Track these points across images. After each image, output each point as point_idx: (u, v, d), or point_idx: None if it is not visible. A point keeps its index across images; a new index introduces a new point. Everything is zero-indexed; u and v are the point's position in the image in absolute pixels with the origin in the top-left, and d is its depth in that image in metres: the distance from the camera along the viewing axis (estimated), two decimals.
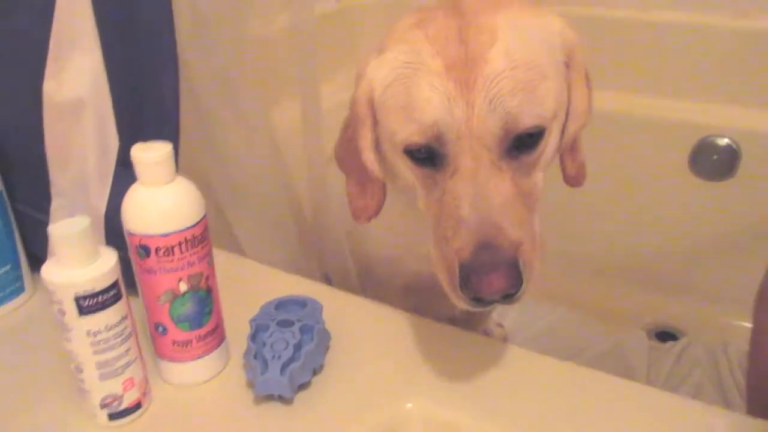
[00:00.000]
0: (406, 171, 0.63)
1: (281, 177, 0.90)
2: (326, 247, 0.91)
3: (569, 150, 0.65)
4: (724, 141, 1.31)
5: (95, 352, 0.55)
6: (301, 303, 0.68)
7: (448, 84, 0.56)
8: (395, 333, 0.70)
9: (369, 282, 0.88)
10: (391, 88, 0.60)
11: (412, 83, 0.58)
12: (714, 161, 1.31)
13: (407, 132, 0.58)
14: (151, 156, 0.55)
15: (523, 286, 0.54)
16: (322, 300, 0.69)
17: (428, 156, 0.59)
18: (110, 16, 0.65)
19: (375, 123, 0.64)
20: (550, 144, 0.59)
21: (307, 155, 0.87)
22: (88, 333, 0.54)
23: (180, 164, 0.73)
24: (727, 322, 1.31)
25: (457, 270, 0.55)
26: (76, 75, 0.66)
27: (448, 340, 0.70)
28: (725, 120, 1.32)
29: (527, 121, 0.55)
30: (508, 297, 0.54)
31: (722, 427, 0.58)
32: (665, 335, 1.35)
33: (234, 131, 0.82)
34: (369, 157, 0.65)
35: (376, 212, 0.70)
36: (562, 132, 0.62)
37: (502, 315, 1.34)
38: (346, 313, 0.72)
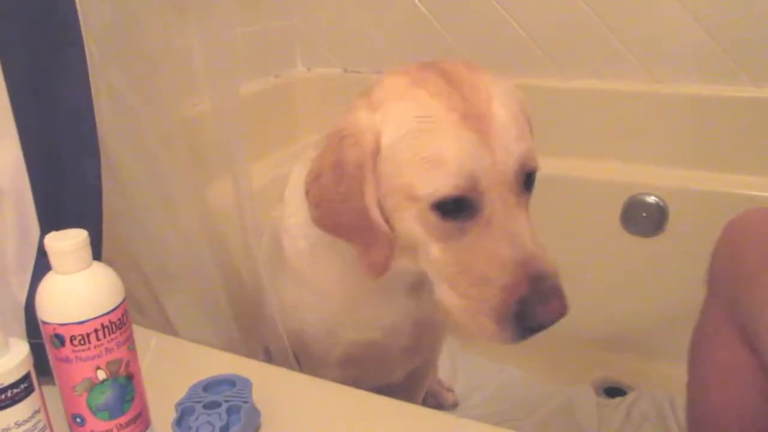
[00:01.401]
0: (419, 227, 0.64)
1: (215, 255, 0.90)
2: (263, 322, 0.90)
3: None
4: (651, 199, 1.37)
5: None
6: (230, 382, 0.67)
7: (471, 135, 0.61)
8: (330, 407, 0.69)
9: (304, 358, 0.87)
10: (405, 141, 0.63)
11: (434, 135, 0.62)
12: (644, 218, 1.37)
13: (437, 185, 0.61)
14: (63, 244, 0.55)
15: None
16: (254, 376, 0.68)
17: (456, 207, 0.62)
18: (28, 104, 0.66)
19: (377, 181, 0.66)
20: None
21: (241, 232, 0.87)
22: None
23: (108, 248, 0.73)
24: (670, 375, 1.31)
25: (510, 307, 0.60)
26: None
27: (387, 412, 0.69)
28: (651, 179, 1.38)
29: (532, 163, 0.63)
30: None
31: None
32: (613, 390, 1.36)
33: (163, 213, 0.83)
34: (376, 214, 0.66)
35: (387, 267, 0.69)
36: None
37: (452, 379, 1.34)
38: (278, 389, 0.71)
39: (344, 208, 0.67)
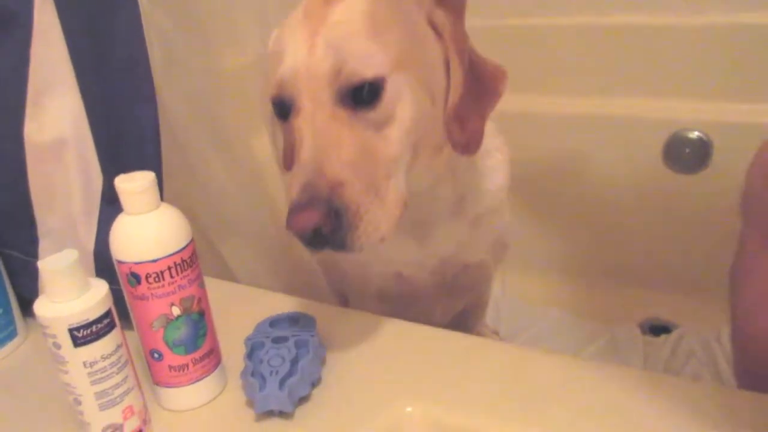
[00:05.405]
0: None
1: (266, 202, 0.91)
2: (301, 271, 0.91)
3: (456, 119, 0.64)
4: (695, 134, 1.34)
5: (93, 383, 0.55)
6: (294, 319, 0.69)
7: (301, 33, 0.59)
8: (389, 341, 0.71)
9: (348, 293, 0.89)
10: (273, 44, 0.65)
11: (282, 33, 0.62)
12: (687, 154, 1.34)
13: (270, 84, 0.62)
14: (134, 185, 0.56)
15: (344, 230, 0.55)
16: (314, 315, 0.70)
17: (286, 110, 0.61)
18: (86, 55, 0.67)
19: None
20: (404, 107, 0.60)
21: (282, 181, 0.88)
22: (85, 364, 0.54)
23: (164, 197, 0.75)
24: (717, 311, 1.30)
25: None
26: (55, 116, 0.68)
27: (443, 342, 0.71)
28: (694, 114, 1.35)
29: (358, 68, 0.58)
30: (322, 236, 0.55)
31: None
32: (658, 328, 1.36)
33: (215, 161, 0.84)
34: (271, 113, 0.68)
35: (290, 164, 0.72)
36: (446, 103, 0.65)
37: (496, 322, 1.35)
38: (339, 326, 0.73)
39: None
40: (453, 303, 0.94)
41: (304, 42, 0.58)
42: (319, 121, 0.58)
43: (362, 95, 0.58)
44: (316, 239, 0.56)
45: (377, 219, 0.57)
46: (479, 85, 0.64)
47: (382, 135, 0.60)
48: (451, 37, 0.63)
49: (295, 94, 0.59)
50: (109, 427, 0.57)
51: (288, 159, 0.73)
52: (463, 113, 0.64)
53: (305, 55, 0.58)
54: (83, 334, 0.53)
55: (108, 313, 0.55)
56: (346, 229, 0.56)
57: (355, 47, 0.58)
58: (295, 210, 0.55)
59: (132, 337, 0.61)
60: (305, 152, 0.57)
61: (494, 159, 0.79)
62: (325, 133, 0.57)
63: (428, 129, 0.64)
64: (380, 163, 0.59)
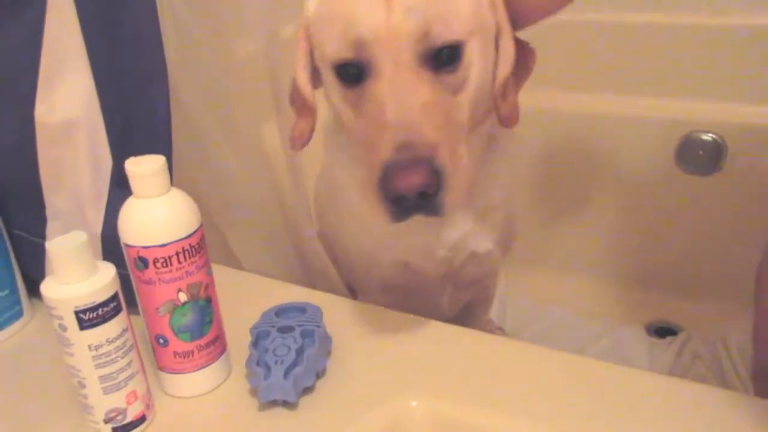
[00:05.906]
0: (334, 94, 0.64)
1: (274, 192, 0.91)
2: (310, 262, 0.91)
3: (501, 94, 0.65)
4: (708, 136, 1.32)
5: (97, 366, 0.55)
6: (300, 309, 0.68)
7: None
8: (396, 334, 0.70)
9: (355, 284, 0.88)
10: (323, 5, 0.63)
11: (336, 1, 0.60)
12: (701, 156, 1.33)
13: (336, 46, 0.60)
14: (145, 168, 0.56)
15: (442, 192, 0.55)
16: (320, 306, 0.70)
17: (357, 72, 0.60)
18: (99, 36, 0.66)
19: (311, 49, 0.66)
20: (474, 73, 0.61)
21: (289, 171, 0.88)
22: (90, 347, 0.54)
23: (173, 181, 0.74)
24: (724, 314, 1.31)
25: (377, 171, 0.55)
26: (67, 97, 0.67)
27: (448, 337, 0.70)
28: (708, 115, 1.33)
29: (442, 31, 0.58)
30: (426, 198, 0.55)
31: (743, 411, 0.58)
32: (664, 331, 1.35)
33: (226, 147, 0.83)
34: (301, 77, 0.67)
35: (308, 138, 0.71)
36: (494, 78, 0.64)
37: (501, 319, 1.35)
38: (345, 318, 0.72)
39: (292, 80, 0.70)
40: (459, 295, 0.94)
41: (380, 4, 0.57)
42: (404, 82, 0.57)
43: (442, 58, 0.58)
44: (413, 202, 0.55)
45: (460, 184, 0.57)
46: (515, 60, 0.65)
47: (457, 100, 0.60)
48: (504, 7, 0.63)
49: (374, 57, 0.58)
50: (112, 411, 0.57)
51: (299, 137, 0.72)
52: (506, 87, 0.65)
53: (384, 18, 0.57)
54: (89, 317, 0.53)
55: (115, 297, 0.55)
56: (444, 191, 0.55)
57: (436, 10, 0.58)
58: (396, 169, 0.54)
59: (137, 321, 0.61)
60: (391, 113, 0.56)
61: (509, 148, 0.78)
62: (412, 94, 0.57)
63: (482, 99, 0.64)
64: (456, 127, 0.59)
